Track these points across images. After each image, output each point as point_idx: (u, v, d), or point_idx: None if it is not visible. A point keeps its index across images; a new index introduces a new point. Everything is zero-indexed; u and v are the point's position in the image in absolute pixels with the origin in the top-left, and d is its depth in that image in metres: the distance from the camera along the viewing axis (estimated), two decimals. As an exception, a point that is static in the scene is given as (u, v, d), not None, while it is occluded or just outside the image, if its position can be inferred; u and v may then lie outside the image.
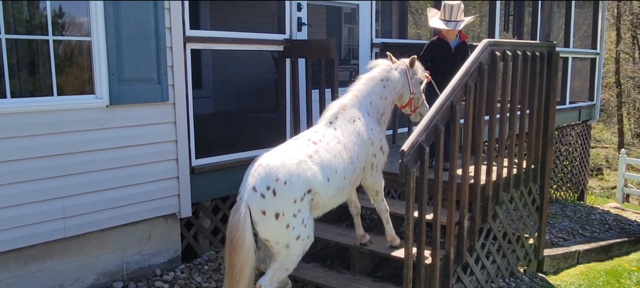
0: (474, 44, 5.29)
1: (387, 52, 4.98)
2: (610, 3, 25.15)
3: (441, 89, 4.71)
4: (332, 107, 4.40)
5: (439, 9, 5.73)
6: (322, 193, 3.93)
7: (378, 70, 4.66)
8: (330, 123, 4.27)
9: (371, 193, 4.57)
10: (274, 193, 3.64)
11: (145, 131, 4.87)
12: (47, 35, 4.29)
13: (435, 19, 5.63)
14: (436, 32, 5.84)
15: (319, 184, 3.87)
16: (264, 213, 3.65)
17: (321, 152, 3.98)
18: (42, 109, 4.27)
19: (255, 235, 3.73)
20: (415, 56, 4.65)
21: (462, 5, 5.53)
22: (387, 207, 4.72)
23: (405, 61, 4.75)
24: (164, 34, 4.88)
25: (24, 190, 4.23)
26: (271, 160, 3.77)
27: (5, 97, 4.08)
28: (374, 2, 7.03)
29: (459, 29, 5.50)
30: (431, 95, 5.00)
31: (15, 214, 4.20)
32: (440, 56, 5.55)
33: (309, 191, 3.82)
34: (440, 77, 5.13)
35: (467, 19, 5.54)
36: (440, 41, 5.67)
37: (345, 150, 4.12)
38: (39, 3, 4.27)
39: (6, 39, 4.05)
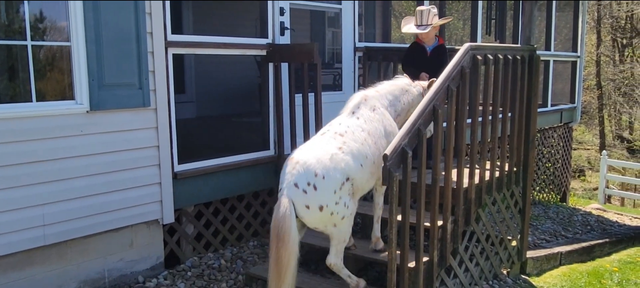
0: (457, 47, 5.31)
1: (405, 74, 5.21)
2: (591, 7, 25.42)
3: None
4: (355, 98, 4.66)
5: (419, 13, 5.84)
6: (357, 179, 4.23)
7: (401, 81, 5.00)
8: (353, 113, 4.54)
9: (378, 182, 4.64)
10: (315, 188, 3.96)
11: (127, 137, 4.82)
12: (26, 40, 4.24)
13: (408, 26, 5.85)
14: (415, 36, 6.00)
15: (353, 171, 4.17)
16: (308, 207, 3.98)
17: (349, 142, 4.25)
18: (21, 115, 4.21)
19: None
20: (434, 80, 4.72)
21: (434, 10, 5.75)
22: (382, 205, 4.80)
23: (424, 83, 5.06)
24: (145, 39, 4.83)
25: (3, 198, 4.16)
26: (307, 157, 4.06)
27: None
28: (356, 3, 7.01)
29: (428, 31, 5.67)
30: None
31: (-6, 222, 4.14)
32: (418, 59, 5.72)
33: (348, 179, 4.13)
34: (417, 79, 5.33)
35: (439, 21, 5.77)
36: (417, 45, 5.93)
37: (369, 136, 4.40)
38: (19, 6, 4.21)
39: (-16, 44, 4.01)
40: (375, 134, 4.45)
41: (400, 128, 4.57)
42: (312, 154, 4.08)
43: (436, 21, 5.74)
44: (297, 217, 3.97)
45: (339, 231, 4.20)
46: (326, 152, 4.10)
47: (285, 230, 3.87)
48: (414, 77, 5.34)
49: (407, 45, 6.43)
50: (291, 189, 3.96)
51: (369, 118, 4.52)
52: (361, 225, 5.48)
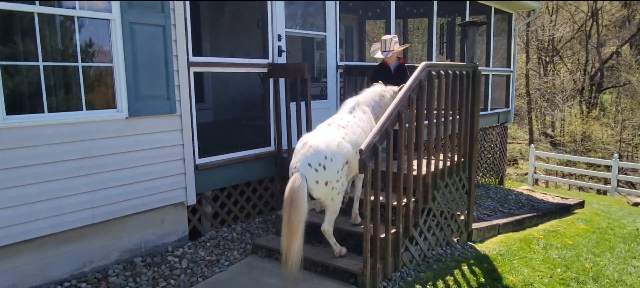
0: (416, 64, 5.32)
1: (380, 81, 5.27)
2: (521, 32, 25.59)
3: None
4: (350, 102, 4.77)
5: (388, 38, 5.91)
6: (353, 164, 4.31)
7: (378, 88, 5.06)
8: (350, 112, 4.65)
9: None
10: (324, 168, 4.06)
11: (158, 137, 4.80)
12: (77, 62, 4.21)
13: (376, 52, 6.02)
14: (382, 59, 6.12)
15: (351, 157, 4.27)
16: (317, 182, 4.07)
17: (349, 134, 4.37)
18: (75, 121, 4.19)
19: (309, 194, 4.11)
20: (403, 85, 4.77)
21: (396, 38, 5.96)
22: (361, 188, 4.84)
23: (395, 88, 5.11)
24: (171, 60, 4.82)
25: (62, 186, 4.15)
26: (317, 142, 4.14)
27: (56, 111, 4.01)
28: (337, 31, 7.04)
29: (389, 56, 5.87)
30: None
31: (53, 205, 4.12)
32: (384, 76, 5.73)
33: (346, 163, 4.24)
34: None
35: (400, 48, 5.96)
36: (383, 65, 6.04)
37: (363, 132, 4.50)
38: (73, 34, 4.18)
39: (45, 65, 3.97)
40: (366, 130, 4.54)
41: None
42: (321, 140, 4.15)
43: (397, 48, 5.91)
44: (308, 188, 4.02)
45: (335, 204, 4.26)
46: (333, 139, 4.19)
47: (299, 199, 3.92)
48: None
49: (377, 64, 6.48)
50: (305, 167, 4.03)
51: (361, 118, 4.63)
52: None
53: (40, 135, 3.98)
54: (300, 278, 4.45)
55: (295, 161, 4.13)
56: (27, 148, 3.92)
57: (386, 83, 5.61)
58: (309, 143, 4.13)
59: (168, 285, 4.40)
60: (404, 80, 5.05)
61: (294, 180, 3.98)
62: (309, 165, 4.03)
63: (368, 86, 5.31)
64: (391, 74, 5.92)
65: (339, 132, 4.31)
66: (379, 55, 5.96)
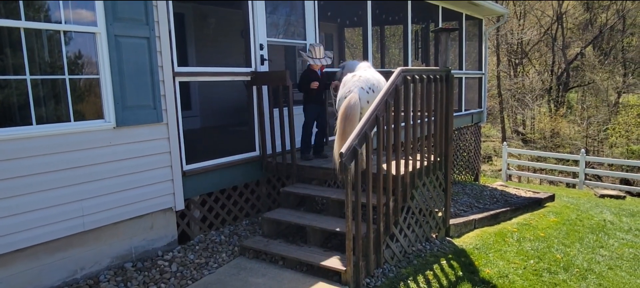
0: (392, 69, 5.36)
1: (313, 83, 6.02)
2: (491, 36, 25.92)
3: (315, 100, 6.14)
4: (363, 65, 5.89)
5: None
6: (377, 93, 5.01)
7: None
8: (365, 70, 5.55)
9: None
10: (373, 91, 5.07)
11: (145, 146, 4.74)
12: (64, 74, 4.14)
13: (312, 61, 6.14)
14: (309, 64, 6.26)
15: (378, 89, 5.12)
16: (368, 102, 4.96)
17: (371, 78, 5.25)
18: (64, 132, 4.12)
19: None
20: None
21: (322, 46, 6.19)
22: None
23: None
24: (157, 71, 4.76)
25: (52, 196, 4.08)
26: (366, 76, 5.22)
27: (43, 123, 3.94)
28: (318, 39, 7.04)
29: (324, 63, 6.15)
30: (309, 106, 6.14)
31: (44, 215, 4.04)
32: (314, 80, 6.08)
33: (374, 91, 5.10)
34: (313, 93, 6.09)
35: (328, 60, 6.19)
36: (311, 70, 6.18)
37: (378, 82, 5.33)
38: (61, 47, 4.12)
39: (33, 78, 3.90)
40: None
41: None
42: (366, 75, 5.22)
43: (327, 60, 6.15)
44: (360, 107, 4.84)
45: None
46: (372, 76, 5.25)
47: (354, 113, 4.78)
48: (309, 91, 6.07)
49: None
50: (360, 90, 5.01)
51: (373, 74, 5.41)
52: (328, 205, 5.48)
53: (30, 146, 3.90)
54: (286, 278, 4.44)
55: (345, 89, 5.09)
56: (16, 160, 3.84)
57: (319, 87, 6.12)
58: (360, 76, 5.16)
59: (158, 289, 4.35)
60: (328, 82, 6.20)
61: (350, 98, 4.84)
62: (362, 88, 5.02)
63: (310, 92, 6.01)
64: (319, 77, 6.14)
65: (371, 73, 5.36)
66: (321, 62, 6.12)
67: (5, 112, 3.83)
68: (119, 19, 4.42)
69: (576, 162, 14.81)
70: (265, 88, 5.96)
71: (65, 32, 4.12)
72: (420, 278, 4.76)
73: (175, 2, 5.14)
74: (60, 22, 4.08)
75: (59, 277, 4.23)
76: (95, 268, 4.49)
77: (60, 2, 4.07)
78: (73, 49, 4.25)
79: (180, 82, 5.13)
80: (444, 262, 5.24)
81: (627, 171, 15.95)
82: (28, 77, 3.88)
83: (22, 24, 3.82)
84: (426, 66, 10.51)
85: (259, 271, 4.62)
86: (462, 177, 11.80)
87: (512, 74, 29.10)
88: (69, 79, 4.17)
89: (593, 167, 18.61)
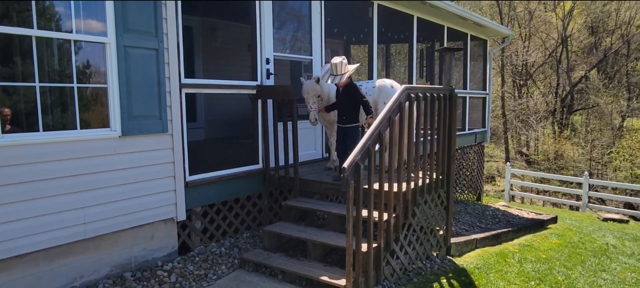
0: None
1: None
2: (496, 57, 25.98)
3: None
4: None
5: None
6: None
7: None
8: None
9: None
10: (393, 88, 5.83)
11: (150, 155, 4.76)
12: (73, 83, 4.18)
13: (327, 79, 5.62)
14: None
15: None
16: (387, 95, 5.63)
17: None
18: (70, 139, 4.14)
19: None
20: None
21: (345, 59, 5.47)
22: None
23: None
24: (164, 82, 4.80)
25: (55, 202, 4.08)
26: (387, 81, 6.02)
27: (51, 129, 3.96)
28: (322, 55, 7.10)
29: (344, 80, 5.39)
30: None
31: (47, 221, 4.04)
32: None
33: None
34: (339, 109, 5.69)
35: (352, 68, 5.49)
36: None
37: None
38: (70, 56, 4.16)
39: (41, 85, 3.94)
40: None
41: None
42: (388, 81, 6.09)
43: (349, 69, 5.47)
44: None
45: None
46: (390, 82, 6.00)
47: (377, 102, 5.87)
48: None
49: (361, 83, 6.31)
50: (385, 86, 5.91)
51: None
52: (329, 219, 5.46)
53: (35, 153, 3.92)
54: (285, 292, 4.41)
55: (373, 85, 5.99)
56: (22, 166, 3.86)
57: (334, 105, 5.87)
58: (384, 80, 6.04)
59: (157, 299, 4.33)
60: (351, 98, 5.40)
61: (376, 90, 5.98)
62: (388, 85, 5.93)
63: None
64: (337, 94, 5.68)
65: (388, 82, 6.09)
66: (330, 81, 5.50)
67: (12, 118, 3.86)
68: (129, 30, 4.46)
69: (580, 185, 14.70)
70: (270, 102, 5.98)
71: (75, 42, 4.17)
72: (420, 297, 4.72)
73: (185, 15, 5.19)
74: (71, 32, 4.12)
75: (58, 284, 4.21)
76: (94, 277, 4.47)
77: (72, 12, 4.12)
78: (82, 58, 4.30)
79: (186, 94, 5.15)
80: (444, 280, 5.19)
81: (631, 195, 15.83)
82: (37, 84, 3.92)
83: (34, 32, 3.86)
84: (431, 85, 10.53)
85: (258, 284, 4.59)
86: (465, 196, 11.74)
87: (516, 94, 29.09)
88: (77, 87, 4.21)
89: (597, 190, 18.46)
